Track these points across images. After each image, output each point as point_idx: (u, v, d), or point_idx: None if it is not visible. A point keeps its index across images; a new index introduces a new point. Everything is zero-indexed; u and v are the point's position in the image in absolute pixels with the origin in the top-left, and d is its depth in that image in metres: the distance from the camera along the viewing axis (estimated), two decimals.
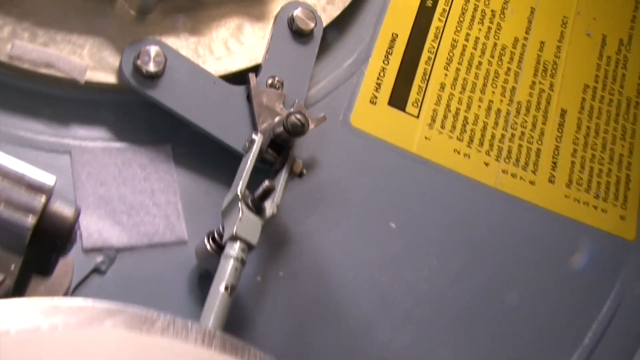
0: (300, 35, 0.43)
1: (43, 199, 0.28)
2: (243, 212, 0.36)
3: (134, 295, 0.38)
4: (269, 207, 0.37)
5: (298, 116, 0.38)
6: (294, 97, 0.42)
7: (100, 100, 0.41)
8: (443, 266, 0.43)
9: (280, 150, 0.40)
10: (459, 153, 0.46)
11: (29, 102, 0.40)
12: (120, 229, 0.39)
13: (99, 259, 0.38)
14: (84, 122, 0.41)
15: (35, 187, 0.28)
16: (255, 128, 0.40)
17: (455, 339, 0.42)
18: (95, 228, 0.38)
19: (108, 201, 0.39)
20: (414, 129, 0.46)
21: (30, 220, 0.27)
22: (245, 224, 0.35)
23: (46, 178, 0.28)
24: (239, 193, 0.36)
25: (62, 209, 0.28)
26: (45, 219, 0.28)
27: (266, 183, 0.36)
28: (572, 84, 0.50)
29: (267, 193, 0.36)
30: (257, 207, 0.36)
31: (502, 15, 0.50)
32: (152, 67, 0.39)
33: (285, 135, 0.38)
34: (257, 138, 0.39)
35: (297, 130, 0.38)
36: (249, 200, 0.36)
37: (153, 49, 0.39)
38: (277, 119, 0.40)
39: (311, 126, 0.40)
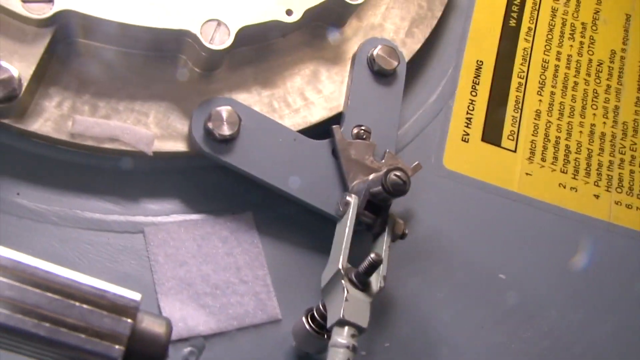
0: (383, 75, 0.38)
1: (130, 322, 0.23)
2: (349, 291, 0.30)
3: None
4: (375, 281, 0.32)
5: (398, 174, 0.32)
6: (383, 147, 0.36)
7: (170, 169, 0.36)
8: (563, 318, 0.38)
9: (377, 210, 0.34)
10: (564, 187, 0.40)
11: (93, 180, 0.35)
12: (207, 314, 0.34)
13: (187, 350, 0.33)
14: (154, 196, 0.36)
15: (119, 309, 0.23)
16: (345, 187, 0.35)
17: None
18: (180, 316, 0.34)
19: (190, 283, 0.34)
20: (512, 165, 0.40)
21: (118, 348, 0.22)
22: (352, 304, 0.30)
23: (130, 296, 0.23)
24: (341, 268, 0.31)
25: (152, 327, 0.23)
26: (135, 343, 0.23)
27: (372, 256, 0.31)
28: None
29: (375, 267, 0.31)
30: (362, 283, 0.31)
31: (594, 27, 0.44)
32: (226, 131, 0.34)
33: (384, 195, 0.33)
34: (352, 200, 0.34)
35: (398, 189, 0.32)
36: (353, 276, 0.31)
37: (225, 110, 0.34)
38: (371, 176, 0.34)
39: None
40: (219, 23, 0.34)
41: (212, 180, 0.36)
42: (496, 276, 0.38)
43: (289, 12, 0.35)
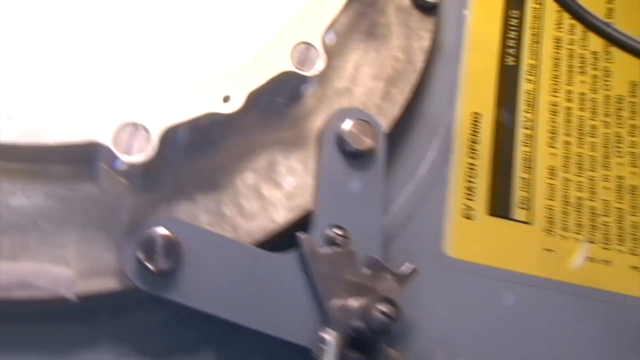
0: (357, 157, 0.29)
1: None
2: None
3: None
4: None
5: (384, 309, 0.24)
6: (366, 250, 0.28)
7: (105, 309, 0.28)
8: None
9: (364, 347, 0.26)
10: (594, 261, 0.32)
11: (9, 334, 0.27)
12: None
13: None
14: (89, 344, 0.28)
15: None
16: (324, 314, 0.27)
17: None
18: None
19: None
20: (529, 240, 0.32)
21: None
22: None
23: None
24: None
25: None
26: None
27: None
28: None
29: None
30: None
31: (607, 56, 0.36)
32: (162, 263, 0.26)
33: (369, 335, 0.25)
34: (331, 339, 0.25)
35: (385, 329, 0.24)
36: None
37: (160, 235, 0.26)
38: (351, 302, 0.26)
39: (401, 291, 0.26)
40: (136, 126, 0.26)
41: (159, 317, 0.28)
42: None
43: (226, 99, 0.27)
